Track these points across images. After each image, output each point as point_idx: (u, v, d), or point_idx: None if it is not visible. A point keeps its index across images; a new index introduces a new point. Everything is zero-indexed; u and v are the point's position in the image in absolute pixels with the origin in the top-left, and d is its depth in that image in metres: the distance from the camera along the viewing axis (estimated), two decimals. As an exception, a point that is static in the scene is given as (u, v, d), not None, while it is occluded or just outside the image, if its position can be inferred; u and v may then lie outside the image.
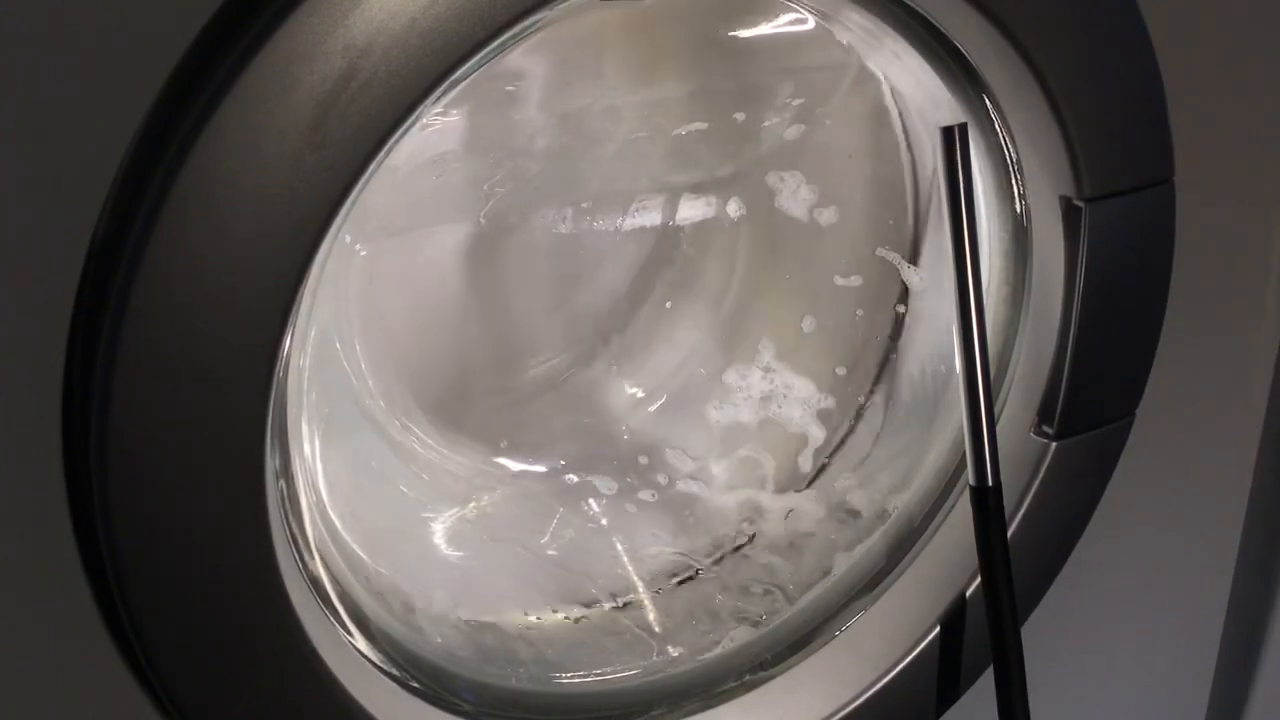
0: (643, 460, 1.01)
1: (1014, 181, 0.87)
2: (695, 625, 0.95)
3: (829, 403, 1.00)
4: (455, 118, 0.86)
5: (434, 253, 0.92)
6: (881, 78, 0.92)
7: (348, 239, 0.84)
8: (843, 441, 1.01)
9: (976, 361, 0.84)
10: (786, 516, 1.00)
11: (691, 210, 0.97)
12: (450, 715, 0.83)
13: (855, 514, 0.98)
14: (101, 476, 0.64)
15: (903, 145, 0.95)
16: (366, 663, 0.79)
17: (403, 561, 0.90)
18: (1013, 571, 0.87)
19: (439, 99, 0.66)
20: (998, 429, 0.87)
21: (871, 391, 1.00)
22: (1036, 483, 0.91)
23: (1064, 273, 0.86)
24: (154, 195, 0.61)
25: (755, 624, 0.95)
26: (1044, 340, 0.89)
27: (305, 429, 0.81)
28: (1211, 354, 1.02)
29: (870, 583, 0.95)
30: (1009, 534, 0.89)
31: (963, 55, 0.81)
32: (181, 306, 0.63)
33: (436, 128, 0.86)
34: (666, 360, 1.02)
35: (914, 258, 0.97)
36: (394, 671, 0.81)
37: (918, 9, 0.79)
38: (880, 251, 0.97)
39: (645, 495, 1.00)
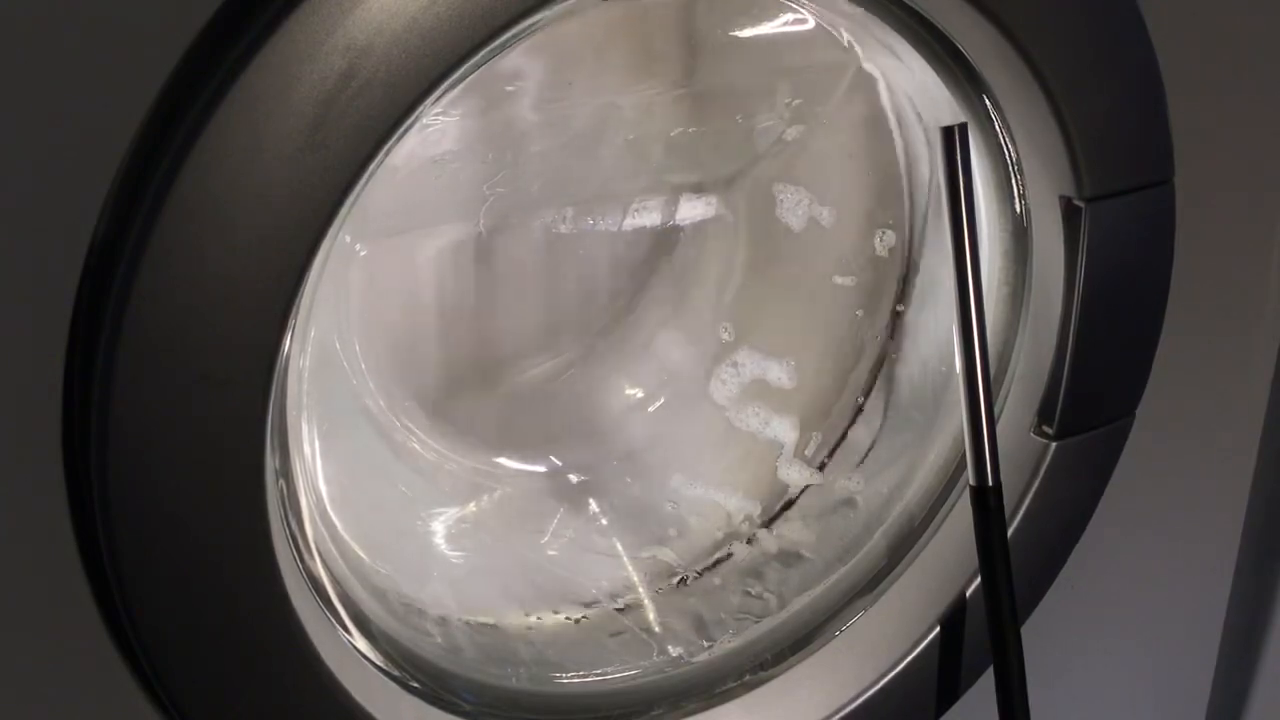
0: (642, 461, 1.01)
1: (1014, 181, 0.87)
2: (695, 625, 0.95)
3: (829, 403, 1.00)
4: (455, 118, 0.86)
5: (434, 253, 0.92)
6: (881, 78, 0.92)
7: (348, 239, 0.84)
8: (842, 442, 1.01)
9: (976, 361, 0.84)
10: (786, 517, 1.00)
11: (691, 210, 0.97)
12: (450, 715, 0.83)
13: (854, 514, 0.98)
14: (101, 476, 0.64)
15: (902, 145, 0.95)
16: (366, 663, 0.79)
17: (403, 561, 0.90)
18: (1013, 571, 0.87)
19: (439, 99, 0.66)
20: (998, 429, 0.87)
21: (871, 391, 1.00)
22: (1036, 483, 0.91)
23: (1064, 273, 0.86)
24: (154, 195, 0.61)
25: (755, 624, 0.95)
26: (1044, 340, 0.89)
27: (305, 429, 0.81)
28: (1211, 354, 1.02)
29: (870, 583, 0.94)
30: (1009, 534, 0.89)
31: (963, 55, 0.81)
32: (181, 306, 0.63)
33: (436, 128, 0.86)
34: (666, 361, 1.02)
35: (914, 258, 0.97)
36: (394, 671, 0.81)
37: (917, 9, 0.79)
38: (880, 251, 0.97)
39: (645, 495, 1.00)
